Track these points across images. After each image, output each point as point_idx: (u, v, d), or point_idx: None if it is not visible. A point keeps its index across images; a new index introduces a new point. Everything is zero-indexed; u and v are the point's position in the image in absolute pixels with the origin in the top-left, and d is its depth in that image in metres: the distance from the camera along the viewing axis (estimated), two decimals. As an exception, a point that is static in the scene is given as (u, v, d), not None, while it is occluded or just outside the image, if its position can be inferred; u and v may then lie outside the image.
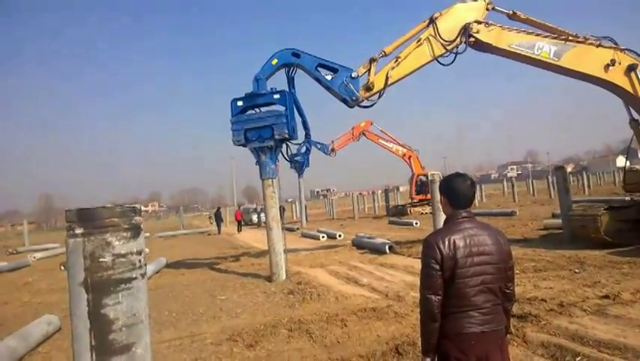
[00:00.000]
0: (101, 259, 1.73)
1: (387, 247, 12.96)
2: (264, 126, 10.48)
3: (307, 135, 11.68)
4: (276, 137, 10.45)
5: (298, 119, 11.38)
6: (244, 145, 10.74)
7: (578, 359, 4.39)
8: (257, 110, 10.95)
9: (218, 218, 31.85)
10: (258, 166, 10.87)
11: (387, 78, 10.81)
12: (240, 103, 10.81)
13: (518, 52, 10.83)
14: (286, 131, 10.41)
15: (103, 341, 1.70)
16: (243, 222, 32.07)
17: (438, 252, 2.46)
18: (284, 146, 11.28)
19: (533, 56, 10.80)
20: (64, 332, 7.08)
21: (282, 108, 10.70)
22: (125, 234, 1.80)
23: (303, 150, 11.69)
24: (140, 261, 1.85)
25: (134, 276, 1.81)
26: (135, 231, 1.85)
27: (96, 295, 1.71)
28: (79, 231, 1.73)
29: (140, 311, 1.81)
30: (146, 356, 1.82)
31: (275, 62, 10.92)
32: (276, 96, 10.74)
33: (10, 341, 6.03)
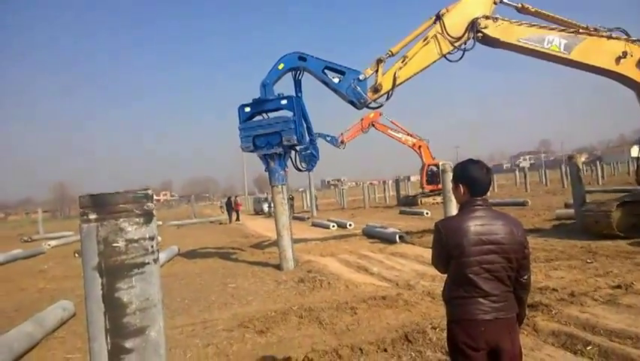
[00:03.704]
0: (114, 244, 1.75)
1: (397, 236, 12.97)
2: (273, 133, 10.42)
3: (312, 141, 11.62)
4: (285, 143, 10.40)
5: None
6: (252, 151, 10.72)
7: (589, 348, 4.38)
8: (265, 116, 10.90)
9: (230, 207, 32.07)
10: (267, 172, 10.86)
11: (395, 79, 10.71)
12: (247, 109, 10.77)
13: (528, 46, 10.65)
14: (294, 138, 10.34)
15: (117, 324, 1.73)
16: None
17: (443, 237, 2.54)
18: (292, 152, 11.26)
19: (543, 50, 10.64)
20: (79, 317, 7.22)
21: (289, 114, 10.62)
22: (137, 219, 1.82)
23: (309, 153, 11.63)
24: (152, 246, 1.87)
25: (146, 261, 1.83)
26: (148, 217, 1.86)
27: (110, 279, 1.74)
28: (92, 216, 1.75)
29: (153, 295, 1.83)
30: (160, 340, 1.84)
31: (281, 66, 10.83)
32: (284, 102, 10.65)
33: (27, 326, 6.16)
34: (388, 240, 13.16)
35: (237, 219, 31.53)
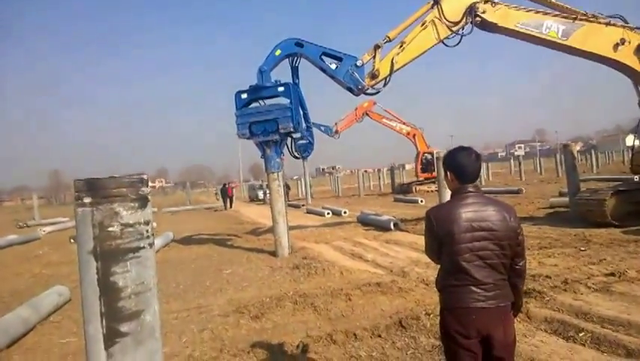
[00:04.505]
0: (109, 229, 1.74)
1: (392, 223, 12.99)
2: (269, 120, 10.33)
3: (308, 128, 11.55)
4: (281, 131, 10.31)
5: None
6: (249, 138, 10.64)
7: (582, 334, 4.43)
8: (261, 102, 10.80)
9: (225, 194, 32.05)
10: (263, 159, 10.80)
11: (392, 64, 10.61)
12: (244, 96, 10.64)
13: (526, 32, 10.61)
14: (291, 125, 10.26)
15: (112, 308, 1.72)
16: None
17: (434, 225, 2.53)
18: (288, 139, 11.18)
19: (541, 36, 10.60)
20: (74, 302, 7.21)
21: (286, 101, 10.53)
22: (132, 204, 1.81)
23: (305, 141, 11.60)
24: (147, 231, 1.86)
25: (142, 245, 1.82)
26: (143, 201, 1.85)
27: (105, 264, 1.73)
28: (87, 200, 1.74)
29: (148, 280, 1.83)
30: (155, 323, 1.84)
31: (278, 52, 10.68)
32: (281, 89, 10.54)
33: (22, 310, 6.16)
34: (383, 227, 13.20)
35: (231, 205, 31.50)
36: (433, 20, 10.64)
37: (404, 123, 30.90)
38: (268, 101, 10.78)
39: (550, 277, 6.39)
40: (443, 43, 10.78)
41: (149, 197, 1.91)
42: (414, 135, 30.88)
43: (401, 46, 10.70)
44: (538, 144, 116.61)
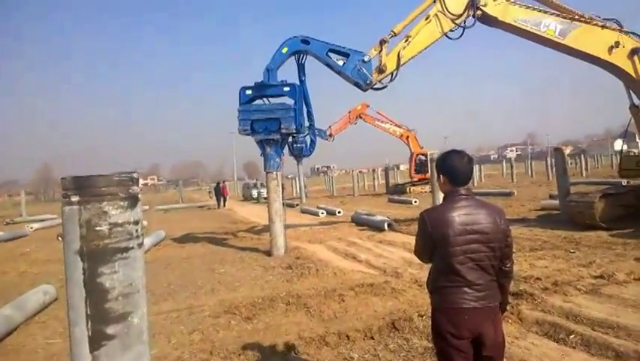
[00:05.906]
0: (97, 228, 1.70)
1: (386, 224, 12.99)
2: (272, 119, 10.28)
3: (311, 126, 11.54)
4: (283, 131, 10.28)
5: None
6: (249, 135, 10.57)
7: (572, 336, 4.44)
8: (265, 100, 10.77)
9: (218, 192, 31.95)
10: (262, 157, 10.73)
11: (399, 58, 10.74)
12: (248, 92, 10.58)
13: (524, 28, 10.79)
14: (293, 127, 10.26)
15: (99, 310, 1.68)
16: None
17: (428, 227, 2.55)
18: (290, 138, 11.16)
19: (538, 33, 10.78)
20: (60, 301, 7.12)
21: (290, 102, 10.51)
22: (121, 203, 1.77)
23: (308, 141, 11.57)
24: (136, 231, 1.82)
25: (130, 246, 1.78)
26: (132, 200, 1.81)
27: (92, 264, 1.69)
28: (75, 198, 1.70)
29: (136, 281, 1.79)
30: (143, 326, 1.80)
31: (285, 50, 10.69)
32: (286, 89, 10.54)
33: (6, 309, 6.05)
34: (377, 227, 13.19)
35: (224, 204, 31.45)
36: (436, 14, 10.77)
37: (397, 125, 30.97)
38: (272, 100, 10.74)
39: (540, 279, 6.42)
40: (447, 36, 10.92)
41: (140, 196, 1.88)
42: (407, 137, 30.97)
43: (406, 40, 10.82)
44: (530, 147, 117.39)
